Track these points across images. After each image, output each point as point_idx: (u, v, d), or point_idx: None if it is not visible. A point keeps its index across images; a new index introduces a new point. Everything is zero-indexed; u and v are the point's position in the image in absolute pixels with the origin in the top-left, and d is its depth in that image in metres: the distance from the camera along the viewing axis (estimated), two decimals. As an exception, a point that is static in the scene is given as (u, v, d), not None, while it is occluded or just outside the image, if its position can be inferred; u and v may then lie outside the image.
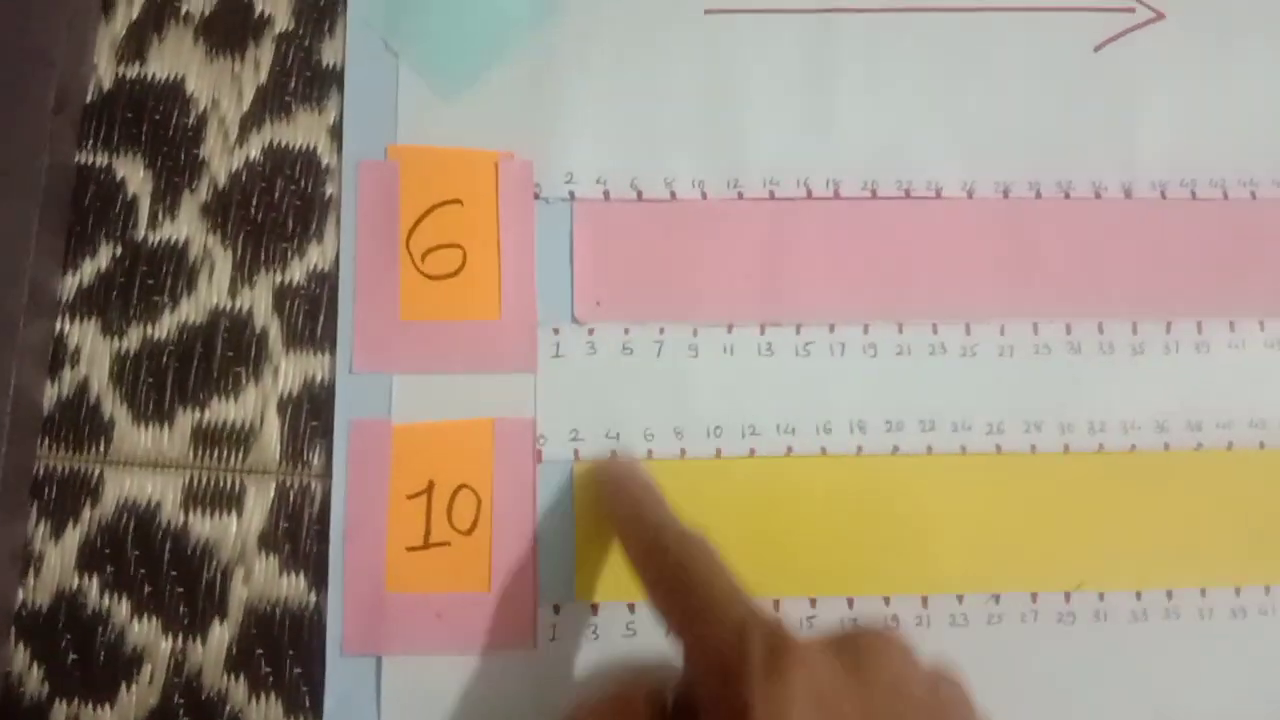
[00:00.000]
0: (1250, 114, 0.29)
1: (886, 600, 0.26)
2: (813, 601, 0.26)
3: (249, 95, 0.28)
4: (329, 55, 0.28)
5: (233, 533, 0.26)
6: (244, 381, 0.27)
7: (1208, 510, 0.27)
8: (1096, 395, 0.27)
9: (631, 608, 0.26)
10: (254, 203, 0.28)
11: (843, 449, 0.27)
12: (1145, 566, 0.27)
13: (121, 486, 0.26)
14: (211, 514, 0.26)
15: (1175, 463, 0.27)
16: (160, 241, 0.28)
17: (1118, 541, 0.27)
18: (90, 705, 0.25)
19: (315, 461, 0.26)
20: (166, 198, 0.28)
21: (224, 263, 0.27)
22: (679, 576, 0.20)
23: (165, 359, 0.27)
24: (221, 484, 0.26)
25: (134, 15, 0.29)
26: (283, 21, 0.29)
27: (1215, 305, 0.28)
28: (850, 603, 0.26)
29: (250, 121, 0.28)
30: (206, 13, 0.29)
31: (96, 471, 0.26)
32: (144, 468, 0.26)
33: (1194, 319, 0.28)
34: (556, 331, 0.27)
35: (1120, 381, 0.28)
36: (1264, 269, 0.28)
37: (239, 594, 0.26)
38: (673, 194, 0.28)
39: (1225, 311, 0.28)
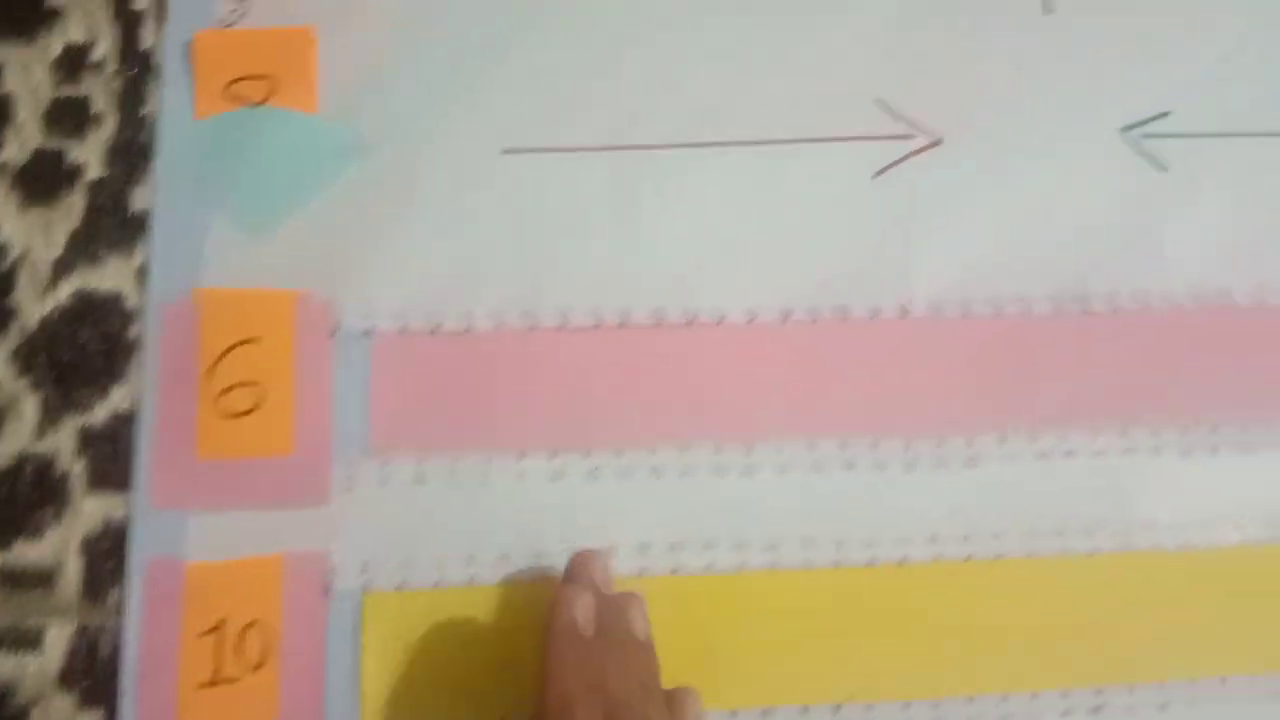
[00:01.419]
0: (1023, 234, 0.31)
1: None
2: None
3: (61, 241, 0.30)
4: (139, 201, 0.30)
5: (32, 671, 0.27)
6: (47, 523, 0.28)
7: (975, 620, 0.29)
8: (870, 511, 0.29)
9: (418, 736, 0.27)
10: (62, 346, 0.29)
11: (627, 571, 0.28)
12: (915, 676, 0.28)
13: (-76, 628, 0.27)
14: (12, 653, 0.27)
15: (945, 574, 0.29)
16: (-27, 385, 0.29)
17: (887, 653, 0.28)
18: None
19: (113, 600, 0.27)
20: (-20, 342, 0.29)
21: (31, 406, 0.29)
22: None
23: (-27, 500, 0.28)
24: (22, 624, 0.27)
25: (-48, 166, 0.31)
26: (95, 169, 0.30)
27: (988, 420, 0.30)
28: None
29: (61, 267, 0.29)
30: (21, 163, 0.30)
31: (-99, 614, 0.27)
32: (-53, 609, 0.27)
33: (966, 435, 0.30)
34: (350, 465, 0.28)
35: (893, 496, 0.29)
36: (1036, 383, 0.30)
37: (36, 733, 0.27)
38: (470, 327, 0.29)
39: (997, 426, 0.30)
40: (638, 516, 0.29)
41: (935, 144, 0.32)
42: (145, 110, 0.30)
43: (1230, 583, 0.30)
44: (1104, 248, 0.31)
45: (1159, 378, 0.31)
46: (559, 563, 0.28)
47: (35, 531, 0.28)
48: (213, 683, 0.27)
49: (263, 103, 0.30)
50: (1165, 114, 0.32)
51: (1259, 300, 0.31)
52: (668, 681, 0.25)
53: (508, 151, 0.30)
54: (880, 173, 0.31)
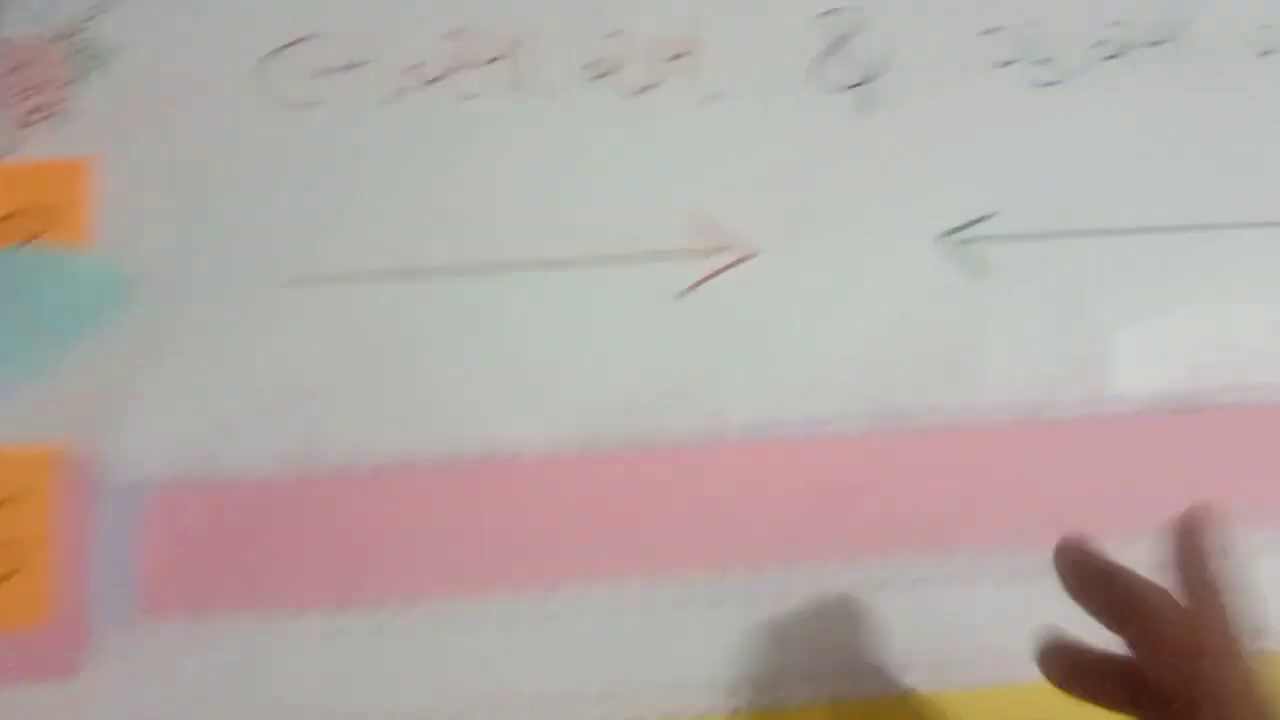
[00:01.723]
0: (840, 349, 0.30)
1: None
2: None
3: None
4: (-102, 349, 0.29)
5: None
6: None
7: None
8: (677, 653, 0.27)
9: None
10: None
11: (414, 734, 0.27)
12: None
13: None
14: None
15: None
16: None
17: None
18: None
19: None
20: None
21: None
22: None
23: None
24: None
25: None
26: None
27: (806, 549, 0.28)
28: None
29: None
30: None
31: None
32: None
33: (783, 563, 0.28)
34: (111, 632, 0.26)
35: (700, 638, 0.27)
36: (853, 509, 0.29)
37: None
38: (246, 476, 0.28)
39: (815, 555, 0.28)
40: (427, 677, 0.27)
41: (748, 257, 0.31)
42: (-94, 253, 0.29)
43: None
44: (924, 360, 0.30)
45: (983, 498, 0.29)
46: (341, 725, 0.27)
47: None
48: None
49: (30, 240, 0.29)
50: (986, 217, 0.31)
51: (1090, 410, 0.30)
52: None
53: (291, 283, 0.29)
54: (690, 289, 0.30)
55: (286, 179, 0.30)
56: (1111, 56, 0.33)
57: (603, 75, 0.31)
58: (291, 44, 0.31)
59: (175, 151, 0.30)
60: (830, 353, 0.30)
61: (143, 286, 0.29)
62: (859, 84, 0.32)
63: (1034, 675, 0.27)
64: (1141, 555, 0.28)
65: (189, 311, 0.29)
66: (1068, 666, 0.24)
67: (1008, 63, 0.33)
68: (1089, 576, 0.24)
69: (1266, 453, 0.31)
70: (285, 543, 0.27)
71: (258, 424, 0.28)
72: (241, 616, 0.27)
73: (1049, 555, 0.28)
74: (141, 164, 0.30)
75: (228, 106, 0.30)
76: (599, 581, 0.28)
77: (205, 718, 0.26)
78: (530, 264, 0.30)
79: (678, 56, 0.32)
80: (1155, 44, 0.34)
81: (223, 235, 0.29)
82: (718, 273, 0.30)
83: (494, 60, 0.31)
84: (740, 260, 0.30)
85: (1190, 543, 0.24)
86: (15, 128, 0.30)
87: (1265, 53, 0.34)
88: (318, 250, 0.29)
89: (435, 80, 0.31)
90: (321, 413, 0.28)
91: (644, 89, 0.31)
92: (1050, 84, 0.33)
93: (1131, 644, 0.23)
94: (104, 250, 0.29)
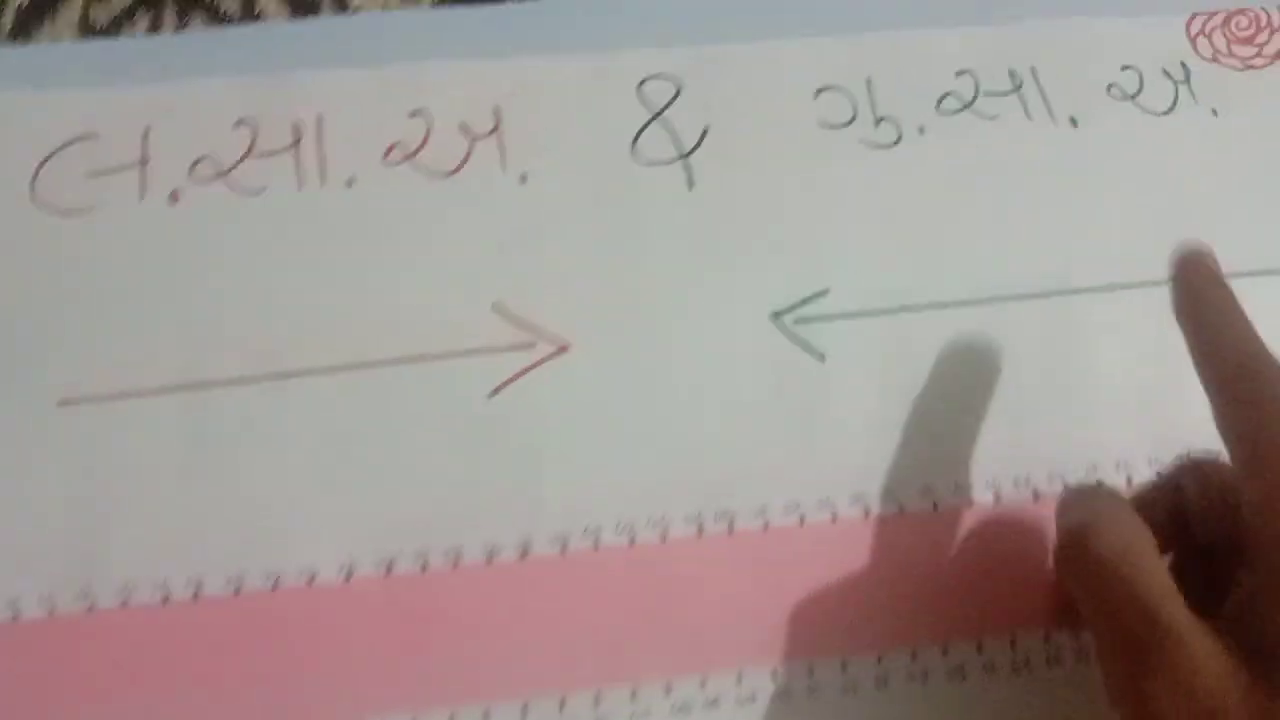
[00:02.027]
0: (661, 446, 0.28)
1: None
2: None
3: None
4: None
5: None
6: None
7: None
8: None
9: None
10: None
11: None
12: None
13: None
14: None
15: None
16: None
17: None
18: None
19: None
20: None
21: None
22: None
23: None
24: None
25: None
26: None
27: (614, 671, 0.27)
28: None
29: None
30: None
31: None
32: None
33: (590, 689, 0.27)
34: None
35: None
36: (671, 622, 0.27)
37: None
38: (15, 617, 0.26)
39: (628, 677, 0.27)
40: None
41: (561, 351, 0.29)
42: None
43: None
44: (754, 452, 0.28)
45: (822, 602, 0.28)
46: None
47: None
48: None
49: None
50: (820, 294, 0.30)
51: (957, 504, 0.28)
52: None
53: (64, 404, 0.28)
54: (498, 389, 0.29)
55: (61, 291, 0.28)
56: (961, 109, 0.32)
57: (404, 158, 0.30)
58: (66, 146, 0.29)
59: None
60: (646, 449, 0.28)
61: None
62: (681, 157, 0.30)
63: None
64: (1002, 652, 0.27)
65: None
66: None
67: (844, 124, 0.31)
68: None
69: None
70: (61, 690, 0.26)
71: (25, 560, 0.26)
72: (7, 773, 0.25)
73: (888, 666, 0.27)
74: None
75: (1, 216, 0.29)
76: (396, 717, 0.26)
77: None
78: (324, 369, 0.28)
79: (484, 135, 0.30)
80: (1006, 93, 0.32)
81: (-7, 354, 0.28)
82: (530, 369, 0.29)
83: (285, 148, 0.30)
84: (555, 354, 0.29)
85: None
86: None
87: (1125, 97, 0.33)
88: (94, 366, 0.28)
89: (220, 175, 0.29)
90: (99, 542, 0.27)
91: (448, 172, 0.30)
92: (891, 144, 0.31)
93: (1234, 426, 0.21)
94: None
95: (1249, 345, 0.22)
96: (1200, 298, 0.24)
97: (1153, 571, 0.21)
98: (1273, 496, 0.21)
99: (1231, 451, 0.22)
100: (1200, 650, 0.20)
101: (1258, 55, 0.34)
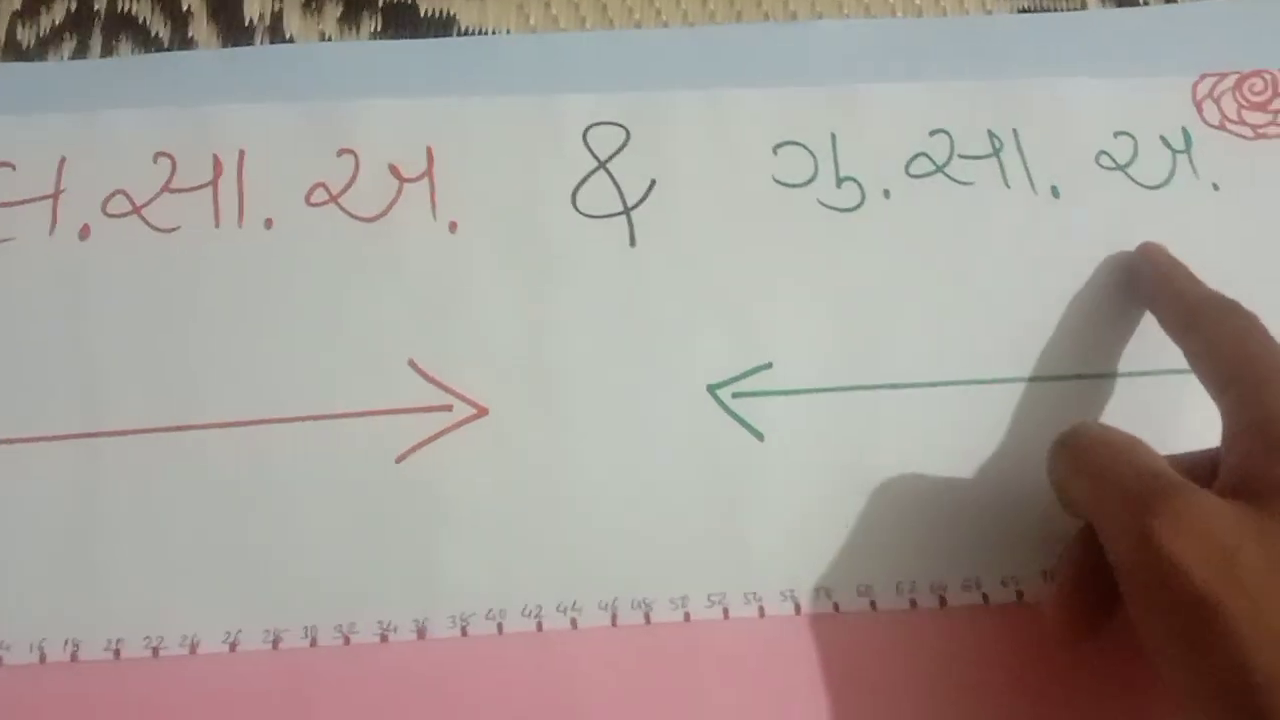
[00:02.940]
0: (577, 524, 0.27)
1: None
2: None
3: None
4: None
5: None
6: None
7: None
8: None
9: None
10: None
11: None
12: None
13: None
14: None
15: None
16: None
17: None
18: None
19: None
20: None
21: None
22: (1228, 349, 0.25)
23: None
24: None
25: None
26: None
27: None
28: None
29: None
30: None
31: None
32: None
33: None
34: None
35: None
36: (580, 716, 0.26)
37: None
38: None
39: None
40: None
41: (479, 415, 0.28)
42: None
43: None
44: (679, 536, 0.27)
45: (735, 703, 0.27)
46: None
47: None
48: None
49: None
50: (762, 367, 0.29)
51: (896, 605, 0.27)
52: None
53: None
54: (407, 454, 0.28)
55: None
56: (932, 173, 0.31)
57: (329, 199, 0.29)
58: (-21, 174, 0.29)
59: None
60: (568, 529, 0.27)
61: None
62: (624, 210, 0.30)
63: None
64: None
65: None
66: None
67: (803, 183, 0.30)
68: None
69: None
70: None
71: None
72: None
73: None
74: None
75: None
76: (275, 801, 0.26)
77: None
78: (224, 423, 0.28)
79: (414, 179, 0.30)
80: (984, 157, 0.31)
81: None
82: (444, 433, 0.28)
83: (203, 185, 0.29)
84: (472, 418, 0.28)
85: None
86: None
87: (1115, 167, 0.31)
88: (-9, 410, 0.28)
89: (134, 210, 0.29)
90: (-24, 596, 0.27)
91: (374, 216, 0.29)
92: (853, 207, 0.30)
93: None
94: None
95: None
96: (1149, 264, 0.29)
97: (1148, 450, 0.24)
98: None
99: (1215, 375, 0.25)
100: (1206, 498, 0.22)
101: (1271, 123, 0.33)
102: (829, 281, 0.29)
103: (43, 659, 0.26)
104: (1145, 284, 0.29)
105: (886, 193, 0.30)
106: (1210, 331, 0.26)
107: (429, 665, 0.27)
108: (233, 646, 0.27)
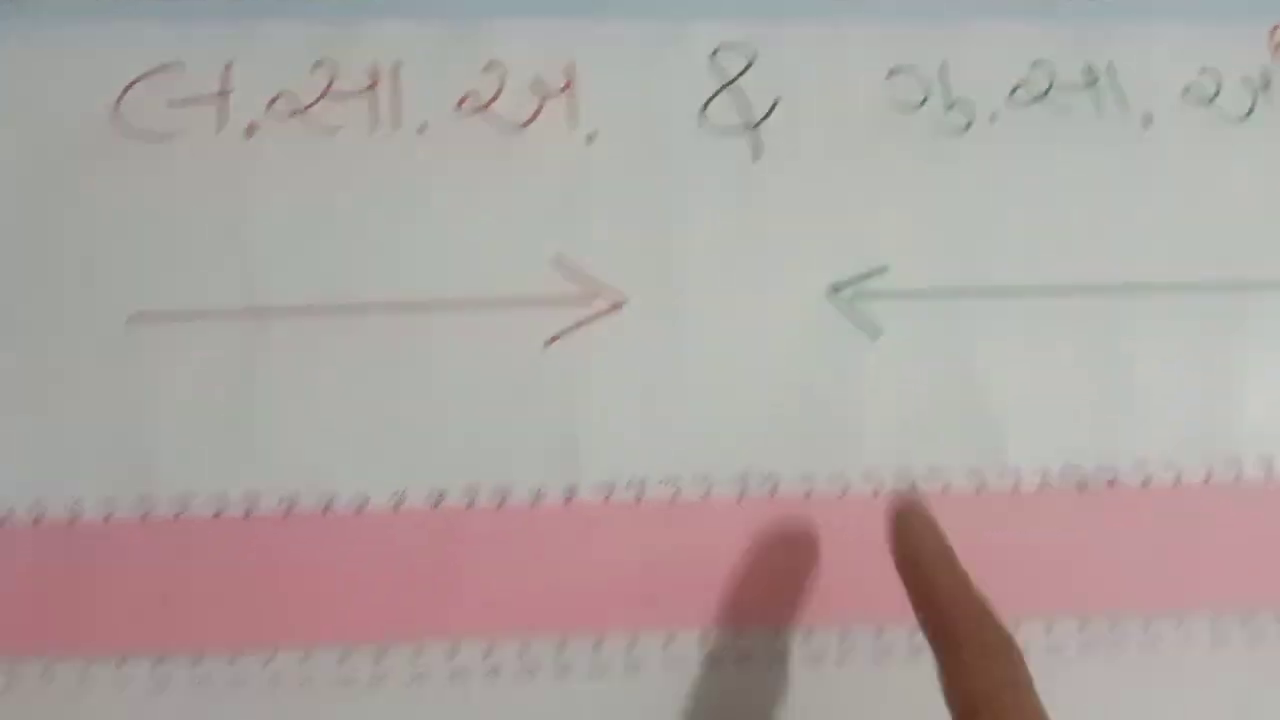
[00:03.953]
0: (711, 407, 0.32)
1: None
2: None
3: None
4: None
5: None
6: None
7: None
8: (516, 723, 0.30)
9: None
10: None
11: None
12: None
13: None
14: None
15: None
16: None
17: None
18: None
19: None
20: None
21: None
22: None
23: None
24: None
25: None
26: None
27: (651, 617, 0.30)
28: None
29: None
30: None
31: None
32: None
33: (627, 631, 0.30)
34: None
35: (543, 706, 0.29)
36: (719, 573, 0.30)
37: None
38: (75, 517, 0.30)
39: (665, 623, 0.30)
40: (250, 729, 0.29)
41: (617, 307, 0.32)
42: None
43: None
44: (801, 422, 0.32)
45: (860, 572, 0.31)
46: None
47: None
48: None
49: None
50: (878, 272, 0.33)
51: (979, 485, 0.32)
52: None
53: (132, 320, 0.31)
54: (553, 340, 0.32)
55: (138, 212, 0.32)
56: (1033, 100, 0.35)
57: (476, 110, 0.33)
58: (150, 74, 0.33)
59: (21, 175, 0.32)
60: (700, 411, 0.32)
61: (-19, 320, 0.32)
62: (749, 127, 0.34)
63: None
64: (1035, 635, 0.30)
65: (28, 346, 0.31)
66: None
67: (915, 106, 0.35)
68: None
69: (1175, 533, 0.32)
70: (109, 589, 0.29)
71: (88, 464, 0.30)
72: (63, 662, 0.29)
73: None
74: (-9, 192, 0.33)
75: (84, 137, 0.32)
76: (435, 643, 0.30)
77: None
78: (385, 306, 0.32)
79: (556, 92, 0.34)
80: (1081, 87, 0.35)
81: (67, 270, 0.31)
82: (585, 322, 0.32)
83: (361, 91, 0.33)
84: (611, 310, 0.32)
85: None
86: None
87: (1201, 101, 0.35)
88: (163, 286, 0.31)
89: (297, 112, 0.33)
90: (158, 455, 0.30)
91: (518, 126, 0.33)
92: (961, 130, 0.34)
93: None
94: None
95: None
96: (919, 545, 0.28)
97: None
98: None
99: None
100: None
101: (1341, 68, 0.37)
102: (939, 195, 0.34)
103: (219, 514, 0.30)
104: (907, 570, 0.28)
105: (992, 117, 0.34)
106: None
107: (575, 526, 0.31)
108: (398, 506, 0.31)
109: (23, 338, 0.31)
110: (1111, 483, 0.32)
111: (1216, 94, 0.36)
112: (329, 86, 0.34)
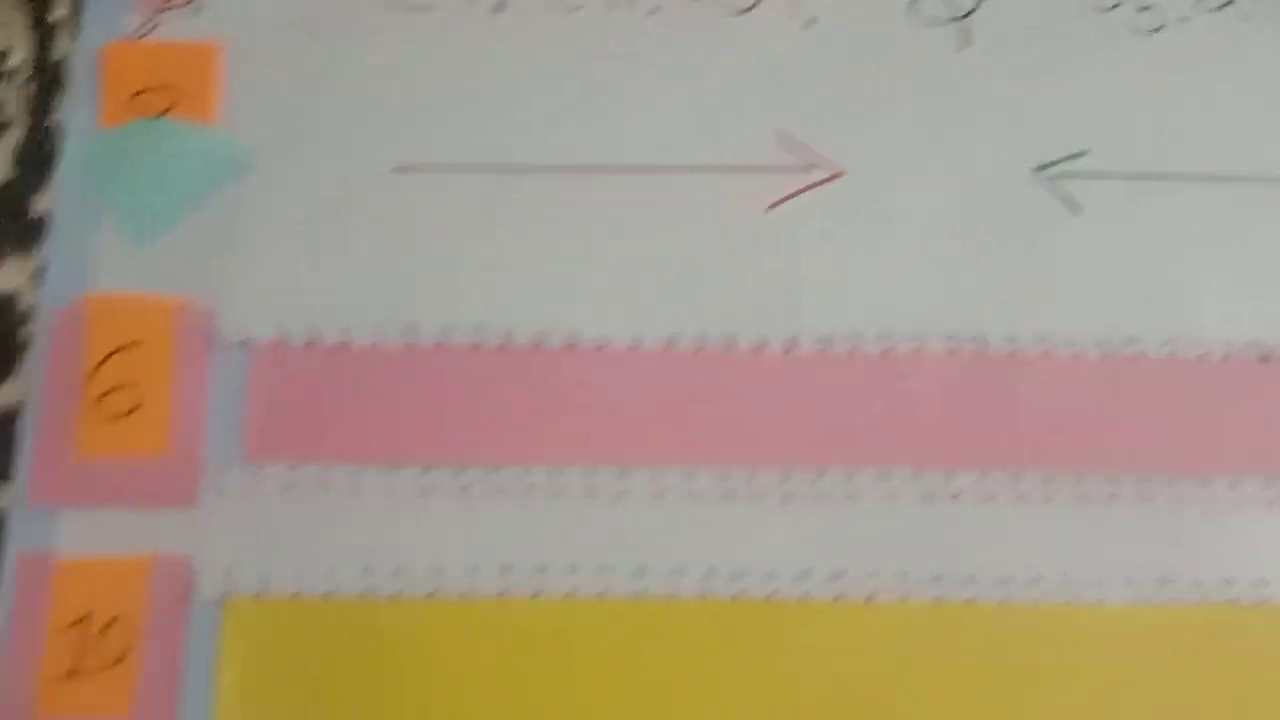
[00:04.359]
0: (922, 272, 0.35)
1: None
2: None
3: (-37, 241, 0.35)
4: (40, 206, 0.35)
5: (-104, 654, 0.31)
6: (-75, 510, 0.32)
7: (844, 661, 0.32)
8: (742, 543, 0.32)
9: (266, 742, 0.31)
10: (-44, 342, 0.34)
11: (488, 591, 0.32)
12: (777, 712, 0.31)
13: None
14: (-116, 638, 0.32)
15: (813, 612, 0.32)
16: (-128, 376, 0.34)
17: (749, 687, 0.31)
18: None
19: (-18, 589, 0.32)
20: (-119, 334, 0.34)
21: (-79, 397, 0.33)
22: None
23: None
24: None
25: None
26: (2, 171, 0.35)
27: (869, 456, 0.33)
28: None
29: (-38, 266, 0.35)
30: (-71, 164, 0.36)
31: None
32: None
33: (847, 470, 0.33)
34: (223, 471, 0.32)
35: (766, 529, 0.33)
36: (924, 423, 0.33)
37: (-99, 715, 0.31)
38: (348, 341, 0.34)
39: (879, 462, 0.33)
40: (504, 537, 0.32)
41: (836, 177, 0.35)
42: (53, 118, 0.35)
43: (1115, 640, 0.32)
44: (1007, 290, 0.35)
45: (1057, 425, 0.34)
46: (419, 580, 0.32)
47: (-86, 519, 0.32)
48: (72, 674, 0.31)
49: (163, 114, 0.35)
50: (1079, 154, 0.36)
51: (1170, 352, 0.34)
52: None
53: (397, 170, 0.35)
54: (776, 204, 0.35)
55: (401, 73, 0.36)
56: (1221, 5, 0.37)
57: (705, -5, 0.37)
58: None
59: (299, 41, 0.36)
60: (909, 273, 0.35)
61: (261, 163, 0.35)
62: (958, 18, 0.37)
63: (1097, 596, 0.32)
64: (1219, 493, 0.33)
65: (302, 188, 0.35)
66: None
67: (1111, 7, 0.37)
68: None
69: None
70: (381, 404, 0.33)
71: (359, 296, 0.34)
72: (340, 467, 0.32)
73: (1121, 483, 0.32)
74: (267, 50, 0.36)
75: (358, 6, 0.36)
76: (671, 469, 0.33)
77: (301, 552, 0.32)
78: (623, 168, 0.35)
79: (781, -21, 0.37)
80: (1266, -4, 0.38)
81: (337, 121, 0.35)
82: (806, 189, 0.35)
83: (601, -26, 0.37)
84: (830, 179, 0.35)
85: None
86: (154, 11, 0.36)
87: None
88: (424, 141, 0.35)
89: (544, -10, 0.37)
90: (419, 290, 0.34)
91: (743, 10, 0.37)
92: (1153, 31, 0.37)
93: None
94: (228, 127, 0.35)
95: None
96: None
97: None
98: None
99: None
100: None
101: None
102: (1134, 87, 0.37)
103: (477, 345, 0.34)
104: None
105: (1183, 19, 0.37)
106: None
107: (796, 372, 0.34)
108: (635, 345, 0.34)
109: (302, 183, 0.35)
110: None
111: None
112: (571, -32, 0.37)
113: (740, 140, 0.36)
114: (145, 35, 0.36)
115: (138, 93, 0.35)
